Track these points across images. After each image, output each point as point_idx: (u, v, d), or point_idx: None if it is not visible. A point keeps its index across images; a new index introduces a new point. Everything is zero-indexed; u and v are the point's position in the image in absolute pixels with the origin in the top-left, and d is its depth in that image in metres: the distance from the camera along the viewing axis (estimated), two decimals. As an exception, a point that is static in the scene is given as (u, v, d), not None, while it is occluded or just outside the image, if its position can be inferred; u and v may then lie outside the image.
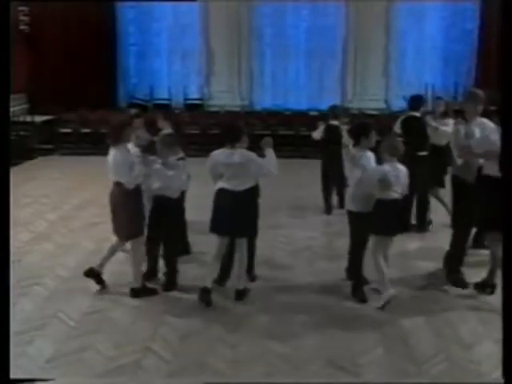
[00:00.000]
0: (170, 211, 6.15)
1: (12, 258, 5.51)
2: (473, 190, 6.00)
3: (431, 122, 8.00)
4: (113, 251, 6.16)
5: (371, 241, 5.88)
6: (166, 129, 7.08)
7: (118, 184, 5.86)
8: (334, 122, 8.90)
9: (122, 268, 6.35)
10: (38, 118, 14.49)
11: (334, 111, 9.19)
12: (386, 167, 5.78)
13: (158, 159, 6.04)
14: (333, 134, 8.70)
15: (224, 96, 16.34)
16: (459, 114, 6.89)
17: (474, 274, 6.33)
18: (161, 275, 6.39)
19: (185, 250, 6.98)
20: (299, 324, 5.46)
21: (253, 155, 5.75)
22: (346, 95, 16.45)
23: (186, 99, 16.66)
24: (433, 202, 8.28)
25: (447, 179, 7.40)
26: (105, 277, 6.16)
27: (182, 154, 6.57)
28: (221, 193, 5.83)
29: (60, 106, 14.38)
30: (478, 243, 6.91)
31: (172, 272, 6.25)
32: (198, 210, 7.25)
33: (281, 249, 7.51)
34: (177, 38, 16.74)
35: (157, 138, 6.47)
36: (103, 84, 15.97)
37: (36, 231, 8.22)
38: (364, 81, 16.26)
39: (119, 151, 5.82)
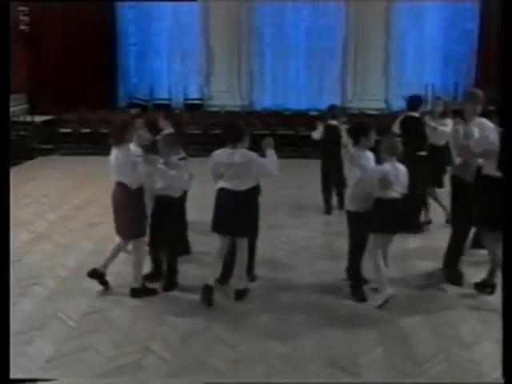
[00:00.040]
0: (171, 211, 6.15)
1: (12, 257, 5.51)
2: (472, 190, 6.01)
3: (430, 122, 8.00)
4: (117, 252, 6.14)
5: (370, 240, 5.89)
6: (167, 129, 7.08)
7: (120, 184, 5.86)
8: (333, 122, 8.90)
9: (122, 268, 6.35)
10: (38, 118, 14.50)
11: (333, 111, 9.20)
12: (386, 166, 5.79)
13: (160, 159, 6.04)
14: (332, 134, 8.70)
15: (224, 96, 16.35)
16: (458, 114, 6.89)
17: (474, 274, 6.33)
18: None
19: (185, 249, 6.98)
20: (299, 324, 5.46)
21: (254, 155, 5.75)
22: (345, 95, 16.47)
23: (185, 99, 16.68)
24: (432, 202, 8.29)
25: (446, 179, 7.40)
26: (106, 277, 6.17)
27: (183, 154, 6.57)
28: (222, 192, 5.83)
29: (60, 105, 14.38)
30: (478, 243, 6.90)
31: (172, 272, 6.25)
32: (199, 210, 7.26)
33: (281, 249, 7.51)
34: (177, 38, 16.75)
35: (158, 137, 6.47)
36: (103, 84, 15.98)
37: (36, 231, 8.22)
38: (364, 81, 16.27)
39: (121, 151, 5.81)
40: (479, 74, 15.95)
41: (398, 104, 14.95)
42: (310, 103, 16.30)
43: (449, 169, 7.16)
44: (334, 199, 9.20)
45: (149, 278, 6.29)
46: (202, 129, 14.32)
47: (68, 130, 14.70)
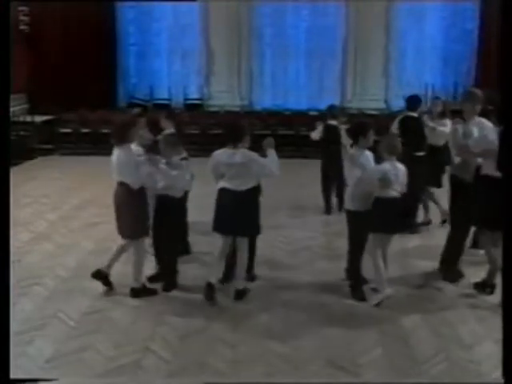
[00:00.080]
0: (172, 211, 6.15)
1: (12, 258, 5.51)
2: (471, 189, 6.02)
3: (428, 122, 7.99)
4: (120, 252, 6.11)
5: (370, 239, 5.89)
6: (169, 128, 7.08)
7: (122, 184, 5.85)
8: (333, 122, 8.91)
9: (122, 268, 6.34)
10: (38, 118, 14.50)
11: (332, 111, 9.20)
12: (386, 166, 5.80)
13: (162, 159, 6.04)
14: (331, 134, 8.70)
15: (224, 96, 16.35)
16: (457, 114, 6.90)
17: (474, 274, 6.34)
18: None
19: (185, 250, 6.98)
20: (299, 324, 5.46)
21: (255, 155, 5.75)
22: (345, 95, 16.48)
23: (185, 99, 16.69)
24: (431, 202, 8.29)
25: (445, 179, 7.40)
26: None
27: (185, 154, 6.56)
28: (223, 192, 5.84)
29: (60, 105, 14.38)
30: (478, 243, 6.91)
31: (172, 272, 6.25)
32: (199, 210, 7.27)
33: (281, 249, 7.51)
34: (177, 38, 16.76)
35: (160, 137, 6.47)
36: (103, 84, 15.99)
37: (36, 231, 8.22)
38: (364, 81, 16.27)
39: (123, 151, 5.80)
40: (479, 73, 15.97)
41: (398, 104, 14.93)
42: (310, 103, 16.31)
43: (448, 169, 7.16)
44: (334, 199, 9.20)
45: (154, 278, 6.29)
46: (201, 129, 14.32)
47: (68, 130, 14.70)
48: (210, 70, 16.66)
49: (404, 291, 6.19)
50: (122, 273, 6.28)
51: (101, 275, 6.08)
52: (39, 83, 15.16)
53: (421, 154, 7.69)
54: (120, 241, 6.10)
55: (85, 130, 14.59)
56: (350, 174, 6.00)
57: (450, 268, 6.46)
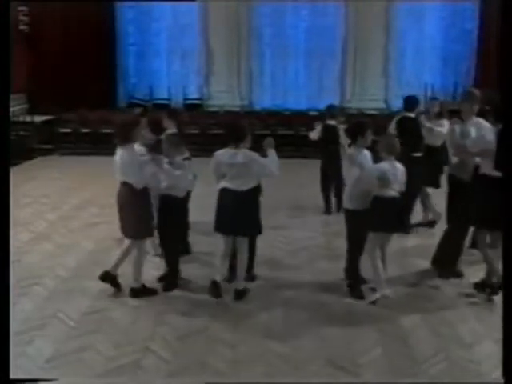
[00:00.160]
0: (174, 210, 6.16)
1: (12, 258, 5.51)
2: (469, 189, 6.03)
3: (425, 122, 7.97)
4: (126, 253, 6.08)
5: (369, 239, 5.91)
6: (171, 128, 7.08)
7: (125, 184, 5.83)
8: (332, 122, 8.91)
9: (122, 268, 6.33)
10: (38, 118, 14.49)
11: (331, 111, 9.20)
12: (385, 165, 5.82)
13: (165, 159, 6.03)
14: (330, 134, 8.71)
15: (223, 96, 16.35)
16: (455, 114, 6.90)
17: (473, 274, 6.34)
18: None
19: (185, 250, 6.98)
20: (299, 323, 5.47)
21: (256, 155, 5.76)
22: (345, 95, 16.48)
23: (185, 99, 16.67)
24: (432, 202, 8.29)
25: (443, 179, 7.41)
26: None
27: (187, 154, 6.56)
28: (224, 192, 5.85)
29: (60, 105, 14.37)
30: (477, 243, 6.91)
31: (172, 272, 6.25)
32: (199, 210, 7.28)
33: (280, 249, 7.52)
34: (176, 38, 16.75)
35: (162, 137, 6.47)
36: (103, 84, 15.97)
37: (36, 231, 8.22)
38: (363, 81, 16.27)
39: (127, 151, 5.78)
40: (478, 73, 15.97)
41: (398, 104, 14.85)
42: (310, 103, 16.30)
43: (446, 169, 7.17)
44: (334, 199, 9.19)
45: (163, 279, 6.30)
46: (201, 129, 14.32)
47: (67, 130, 14.69)
48: (210, 69, 16.65)
49: (403, 291, 6.20)
50: (121, 273, 6.28)
51: (109, 277, 6.06)
52: (39, 83, 15.15)
53: (418, 154, 7.67)
54: (125, 241, 6.08)
55: (84, 130, 14.58)
56: (349, 174, 6.02)
57: (446, 266, 6.51)
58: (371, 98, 16.02)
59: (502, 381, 3.84)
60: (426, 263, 6.82)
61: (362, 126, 6.08)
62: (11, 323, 4.18)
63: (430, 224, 8.20)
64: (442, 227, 6.75)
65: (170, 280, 6.22)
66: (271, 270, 6.74)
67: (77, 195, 10.23)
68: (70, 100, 14.53)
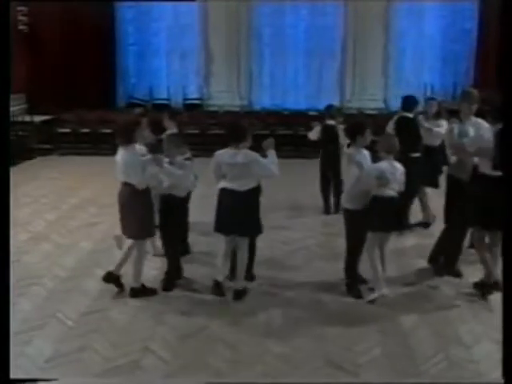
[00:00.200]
0: (175, 210, 6.16)
1: (11, 258, 5.50)
2: (467, 189, 6.04)
3: (424, 122, 7.96)
4: (129, 253, 6.06)
5: (368, 238, 5.91)
6: (171, 128, 7.08)
7: (127, 184, 5.82)
8: (331, 122, 8.91)
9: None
10: (37, 118, 14.49)
11: (330, 111, 9.20)
12: (384, 165, 5.83)
13: (166, 159, 6.03)
14: (330, 134, 8.72)
15: (223, 96, 16.34)
16: (454, 114, 6.90)
17: (472, 274, 6.34)
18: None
19: (185, 250, 6.98)
20: (299, 323, 5.47)
21: (256, 156, 5.76)
22: (344, 95, 16.47)
23: (185, 99, 16.67)
24: (430, 202, 8.28)
25: (442, 179, 7.41)
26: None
27: (188, 154, 6.56)
28: (224, 193, 5.85)
29: (59, 106, 14.38)
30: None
31: (172, 272, 6.25)
32: (198, 211, 7.28)
33: (280, 249, 7.51)
34: (176, 38, 16.74)
35: (163, 137, 6.46)
36: (102, 84, 15.98)
37: (35, 231, 8.21)
38: (363, 80, 16.26)
39: (128, 151, 5.76)
40: (478, 73, 15.97)
41: (397, 104, 14.75)
42: (309, 103, 16.30)
43: (445, 169, 7.17)
44: (333, 199, 9.19)
45: (166, 278, 6.29)
46: (201, 129, 14.32)
47: (67, 130, 14.68)
48: (209, 69, 16.64)
49: (402, 290, 6.21)
50: (121, 273, 6.29)
51: (112, 277, 6.05)
52: (38, 83, 15.13)
53: (416, 155, 7.67)
54: (128, 241, 6.07)
55: (84, 130, 14.57)
56: (347, 173, 6.03)
57: (445, 266, 6.55)
58: (371, 97, 16.02)
59: (502, 381, 3.84)
60: (425, 263, 6.82)
61: (361, 125, 6.08)
62: (11, 323, 4.17)
63: (424, 225, 8.18)
64: (441, 227, 6.75)
65: (171, 279, 6.22)
66: (271, 270, 6.74)
67: (76, 195, 10.22)
68: (69, 100, 14.54)
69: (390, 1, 16.10)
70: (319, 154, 9.25)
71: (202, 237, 7.35)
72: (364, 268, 6.13)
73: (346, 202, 6.08)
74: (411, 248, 7.49)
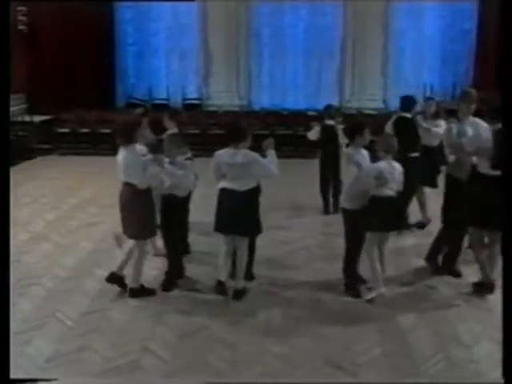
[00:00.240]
0: (176, 210, 6.17)
1: (11, 258, 5.51)
2: (466, 188, 6.05)
3: (422, 122, 7.97)
4: (131, 253, 6.06)
5: (367, 238, 5.92)
6: (172, 128, 7.09)
7: (128, 184, 5.81)
8: (330, 122, 8.92)
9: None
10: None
11: (329, 111, 9.20)
12: (382, 164, 5.84)
13: (166, 159, 6.03)
14: (329, 134, 8.72)
15: (222, 96, 16.34)
16: (452, 114, 6.91)
17: (472, 274, 6.35)
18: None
19: (184, 249, 6.98)
20: (298, 323, 5.47)
21: (256, 156, 5.76)
22: (344, 95, 16.48)
23: (184, 99, 16.67)
24: (429, 202, 8.28)
25: (440, 179, 7.42)
26: (104, 276, 6.16)
27: (189, 154, 6.57)
28: (224, 193, 5.86)
29: (58, 105, 14.38)
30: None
31: (172, 272, 6.26)
32: (198, 211, 7.28)
33: (279, 248, 7.51)
34: (175, 38, 16.74)
35: (164, 137, 6.47)
36: (101, 84, 15.97)
37: (34, 231, 8.22)
38: (362, 80, 16.27)
39: (129, 152, 5.75)
40: (477, 73, 15.98)
41: (396, 104, 14.76)
42: (308, 103, 16.30)
43: (443, 169, 7.18)
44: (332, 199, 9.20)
45: (167, 278, 6.29)
46: (200, 129, 14.31)
47: (66, 130, 14.68)
48: (209, 69, 16.65)
49: (401, 290, 6.22)
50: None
51: (115, 278, 6.06)
52: (38, 83, 15.13)
53: (415, 155, 7.67)
54: (129, 242, 6.07)
55: (83, 130, 14.57)
56: (346, 173, 6.04)
57: (444, 266, 6.58)
58: (370, 97, 16.03)
59: (502, 381, 3.84)
60: (423, 263, 6.83)
61: (359, 125, 6.09)
62: (11, 323, 4.18)
63: (419, 226, 8.18)
64: (440, 226, 6.77)
65: (171, 279, 6.22)
66: (270, 270, 6.75)
67: (76, 195, 10.22)
68: (68, 100, 14.54)
69: (389, 1, 16.10)
70: (318, 154, 9.26)
71: (202, 237, 7.35)
72: (364, 268, 6.14)
73: (344, 201, 6.09)
74: (410, 247, 7.50)
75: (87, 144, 14.21)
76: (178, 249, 6.37)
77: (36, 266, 6.89)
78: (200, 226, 7.35)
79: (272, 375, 4.65)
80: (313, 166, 9.41)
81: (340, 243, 6.43)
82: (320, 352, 4.97)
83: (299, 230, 8.26)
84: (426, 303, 5.94)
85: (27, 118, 14.41)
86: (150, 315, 5.64)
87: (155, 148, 6.19)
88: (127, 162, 5.75)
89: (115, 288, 6.09)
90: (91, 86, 15.19)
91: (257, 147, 5.89)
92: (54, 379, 4.45)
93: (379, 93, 16.32)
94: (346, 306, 5.86)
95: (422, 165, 7.73)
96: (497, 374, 4.40)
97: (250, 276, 6.35)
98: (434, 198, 8.05)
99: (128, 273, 6.08)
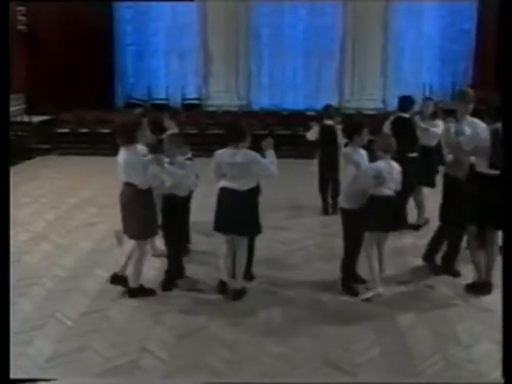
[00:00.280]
0: (177, 210, 6.18)
1: (11, 258, 5.51)
2: (464, 187, 6.06)
3: (420, 123, 7.97)
4: (132, 253, 6.07)
5: (366, 238, 5.93)
6: (172, 128, 7.09)
7: (128, 184, 5.81)
8: (329, 122, 8.92)
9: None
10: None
11: (328, 111, 9.20)
12: (381, 164, 5.85)
13: (166, 159, 6.03)
14: (328, 134, 8.73)
15: (222, 96, 16.33)
16: (450, 114, 6.92)
17: (471, 273, 6.35)
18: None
19: (184, 249, 6.98)
20: (297, 323, 5.48)
21: (256, 155, 5.77)
22: (343, 95, 16.46)
23: (183, 99, 16.65)
24: (427, 201, 8.28)
25: (438, 179, 7.43)
26: (103, 276, 6.17)
27: (189, 155, 6.57)
28: (224, 192, 5.87)
29: (58, 106, 14.37)
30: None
31: (172, 272, 6.26)
32: (198, 210, 7.28)
33: (278, 248, 7.52)
34: (174, 38, 16.72)
35: (164, 137, 6.47)
36: (101, 84, 15.96)
37: (34, 231, 8.22)
38: (362, 80, 16.25)
39: (130, 152, 5.75)
40: (477, 73, 15.97)
41: (396, 104, 14.91)
42: (308, 103, 16.29)
43: (441, 168, 7.18)
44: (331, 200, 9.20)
45: (168, 277, 6.30)
46: (200, 129, 14.32)
47: (66, 130, 14.67)
48: (208, 69, 16.63)
49: (400, 289, 6.23)
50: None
51: (118, 279, 6.06)
52: (37, 83, 15.14)
53: (413, 155, 7.67)
54: (130, 242, 6.06)
55: (82, 130, 14.57)
56: (345, 173, 6.05)
57: (443, 265, 6.60)
58: (369, 97, 16.01)
59: (502, 381, 3.85)
60: (422, 262, 6.84)
61: (358, 125, 6.11)
62: (11, 323, 4.18)
63: (416, 227, 8.16)
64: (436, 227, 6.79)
65: (171, 279, 6.23)
66: (269, 270, 6.75)
67: (75, 195, 10.22)
68: (68, 100, 14.53)
69: (388, 1, 16.09)
70: (318, 154, 9.26)
71: (202, 236, 7.36)
72: (363, 268, 6.15)
73: (343, 201, 6.09)
74: (410, 247, 7.50)
75: (86, 144, 14.20)
76: (178, 248, 6.38)
77: (36, 266, 6.90)
78: (200, 225, 7.35)
79: (271, 375, 4.66)
80: (312, 166, 9.40)
81: (339, 243, 6.43)
82: (319, 352, 4.98)
83: (298, 231, 8.26)
84: (425, 303, 5.95)
85: (26, 118, 14.41)
86: (149, 315, 5.64)
87: (155, 148, 6.19)
88: (128, 162, 5.75)
89: (115, 288, 6.09)
90: (90, 86, 15.18)
91: (256, 147, 5.90)
92: (54, 379, 4.46)
93: (379, 93, 16.31)
94: (345, 306, 5.87)
95: (420, 165, 7.74)
96: (497, 374, 4.41)
97: (249, 276, 6.36)
98: (431, 198, 8.10)
99: (128, 273, 6.08)
